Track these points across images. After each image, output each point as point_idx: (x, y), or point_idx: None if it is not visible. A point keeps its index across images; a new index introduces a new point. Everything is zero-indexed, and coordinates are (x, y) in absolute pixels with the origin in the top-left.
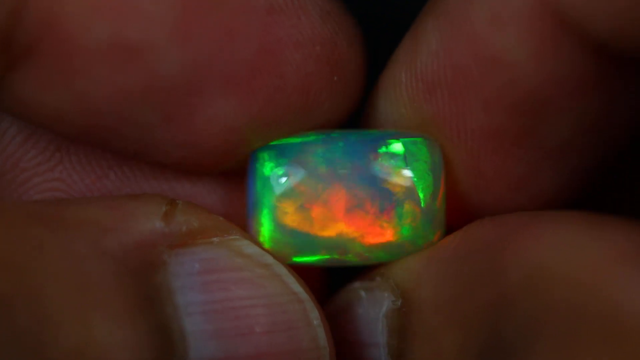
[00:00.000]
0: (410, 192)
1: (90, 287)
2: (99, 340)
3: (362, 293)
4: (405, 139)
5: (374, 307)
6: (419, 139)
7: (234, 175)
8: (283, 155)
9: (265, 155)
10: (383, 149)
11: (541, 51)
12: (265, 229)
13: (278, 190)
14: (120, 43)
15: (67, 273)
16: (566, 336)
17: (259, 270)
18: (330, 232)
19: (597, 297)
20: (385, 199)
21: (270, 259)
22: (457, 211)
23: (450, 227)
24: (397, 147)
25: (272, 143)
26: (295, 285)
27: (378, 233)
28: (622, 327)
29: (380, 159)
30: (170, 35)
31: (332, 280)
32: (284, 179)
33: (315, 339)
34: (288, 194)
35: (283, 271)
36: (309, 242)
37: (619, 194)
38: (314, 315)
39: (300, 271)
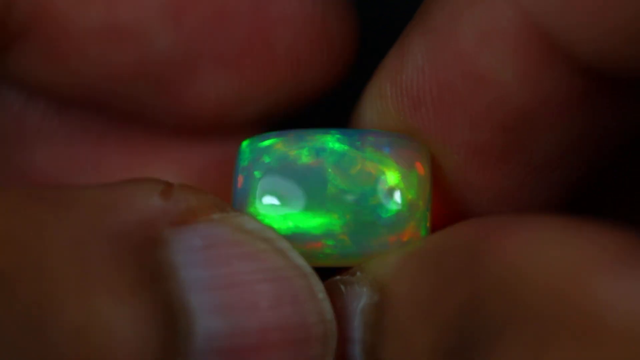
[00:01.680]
0: (396, 187)
1: (91, 265)
2: (102, 316)
3: (342, 287)
4: (394, 138)
5: (352, 302)
6: (406, 139)
7: (230, 136)
8: (268, 154)
9: (250, 153)
10: (371, 139)
11: (527, 71)
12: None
13: (263, 189)
14: (112, 24)
15: (68, 251)
16: (534, 337)
17: (262, 245)
18: (315, 221)
19: (567, 302)
20: (371, 191)
21: (272, 234)
22: (444, 217)
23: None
24: (384, 142)
25: (259, 141)
26: (298, 260)
27: (363, 223)
28: (590, 332)
29: (367, 153)
30: (161, 16)
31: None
32: (269, 178)
33: (321, 312)
34: (272, 190)
35: (286, 245)
36: (294, 231)
37: (611, 200)
38: (319, 288)
39: None
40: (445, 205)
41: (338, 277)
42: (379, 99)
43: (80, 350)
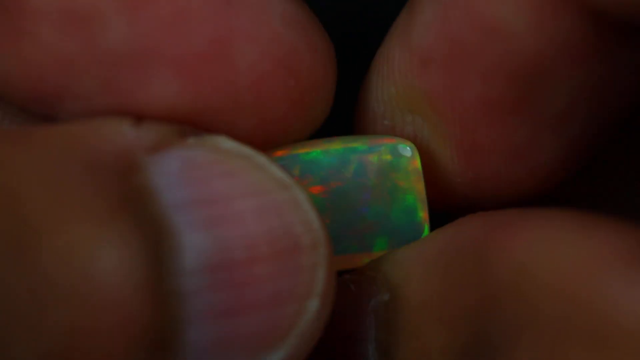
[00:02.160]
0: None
1: (67, 193)
2: (85, 242)
3: (352, 286)
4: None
5: (362, 301)
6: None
7: None
8: None
9: None
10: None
11: (540, 20)
12: None
13: None
14: (69, 9)
15: (41, 181)
16: (550, 342)
17: (240, 162)
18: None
19: (581, 306)
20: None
21: (248, 151)
22: (451, 193)
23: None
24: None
25: None
26: (278, 173)
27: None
28: (605, 337)
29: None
30: (118, 5)
31: None
32: None
33: (308, 222)
34: None
35: (264, 161)
36: None
37: (620, 163)
38: (302, 198)
39: None
40: (450, 179)
41: (347, 276)
42: (386, 64)
43: (67, 276)
